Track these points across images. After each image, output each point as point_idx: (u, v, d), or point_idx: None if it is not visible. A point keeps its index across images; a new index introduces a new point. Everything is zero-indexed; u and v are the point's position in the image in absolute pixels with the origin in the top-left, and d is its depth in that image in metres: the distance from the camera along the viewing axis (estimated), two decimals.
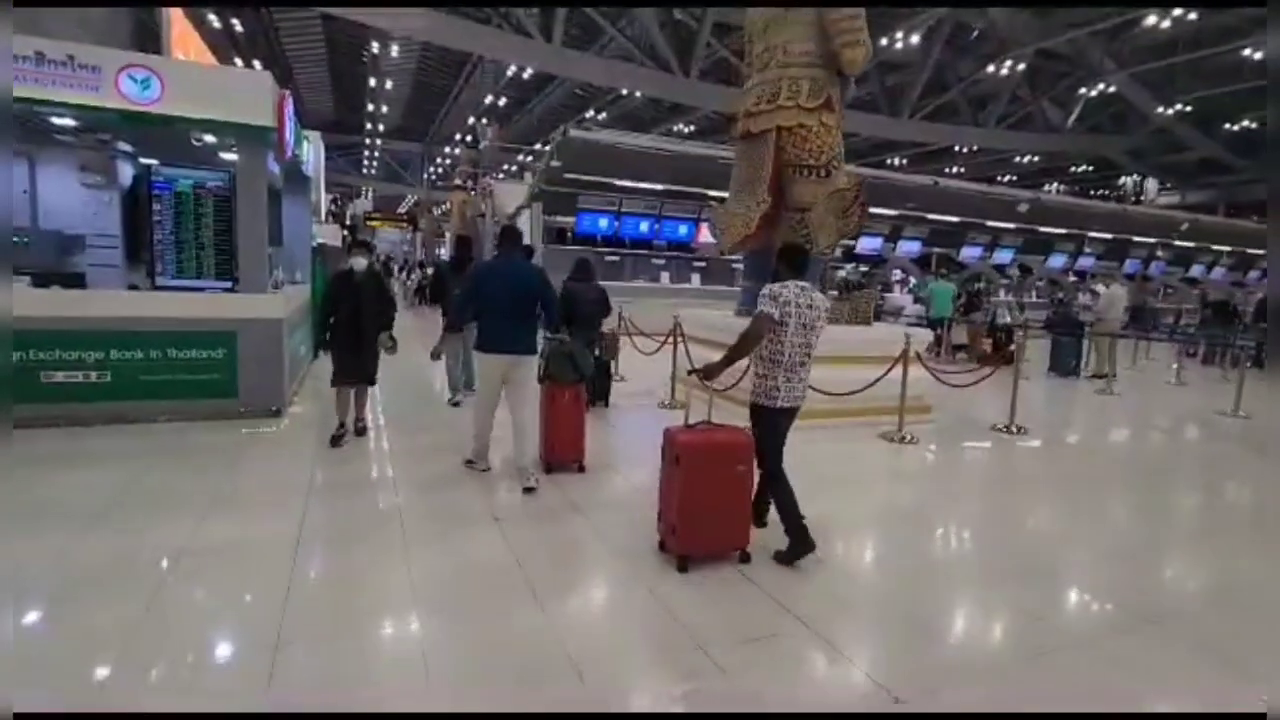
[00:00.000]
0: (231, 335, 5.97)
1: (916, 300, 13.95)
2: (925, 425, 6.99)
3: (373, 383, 5.74)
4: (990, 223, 17.15)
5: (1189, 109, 24.42)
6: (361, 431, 5.85)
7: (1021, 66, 22.12)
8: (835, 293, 7.84)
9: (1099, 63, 22.49)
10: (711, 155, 14.28)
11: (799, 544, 3.60)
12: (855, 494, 5.08)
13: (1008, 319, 13.00)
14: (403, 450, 5.58)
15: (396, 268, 29.82)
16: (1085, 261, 18.87)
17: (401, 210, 38.29)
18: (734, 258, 15.79)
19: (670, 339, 7.69)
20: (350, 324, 5.38)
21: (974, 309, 12.06)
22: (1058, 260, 18.44)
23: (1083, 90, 23.70)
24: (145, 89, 5.30)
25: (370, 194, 39.14)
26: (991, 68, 21.67)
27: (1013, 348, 11.87)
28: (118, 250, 6.76)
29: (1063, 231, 18.39)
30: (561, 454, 5.03)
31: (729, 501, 3.53)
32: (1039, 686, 2.67)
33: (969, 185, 19.07)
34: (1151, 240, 19.73)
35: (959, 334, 11.72)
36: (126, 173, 6.92)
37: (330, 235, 21.52)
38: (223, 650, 2.75)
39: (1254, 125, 25.51)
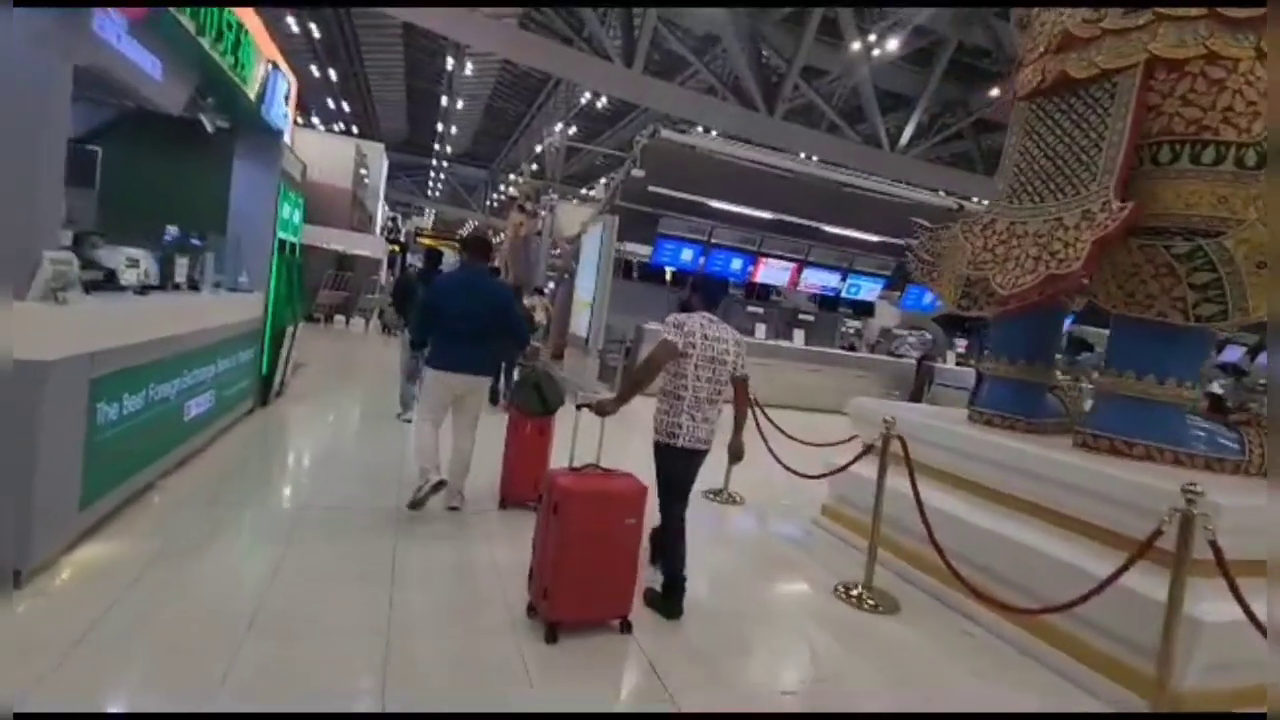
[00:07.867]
0: None
1: None
2: None
3: None
4: None
5: None
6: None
7: None
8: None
9: None
10: (839, 180, 10.47)
11: (670, 600, 2.96)
12: None
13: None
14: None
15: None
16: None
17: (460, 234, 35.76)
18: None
19: (874, 455, 3.66)
20: None
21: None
22: (1233, 354, 13.97)
23: None
24: None
25: (432, 215, 36.63)
26: None
27: None
28: None
29: None
30: (519, 490, 3.99)
31: (614, 560, 2.63)
32: None
33: None
34: None
35: None
36: None
37: (370, 246, 18.45)
38: None
39: None
